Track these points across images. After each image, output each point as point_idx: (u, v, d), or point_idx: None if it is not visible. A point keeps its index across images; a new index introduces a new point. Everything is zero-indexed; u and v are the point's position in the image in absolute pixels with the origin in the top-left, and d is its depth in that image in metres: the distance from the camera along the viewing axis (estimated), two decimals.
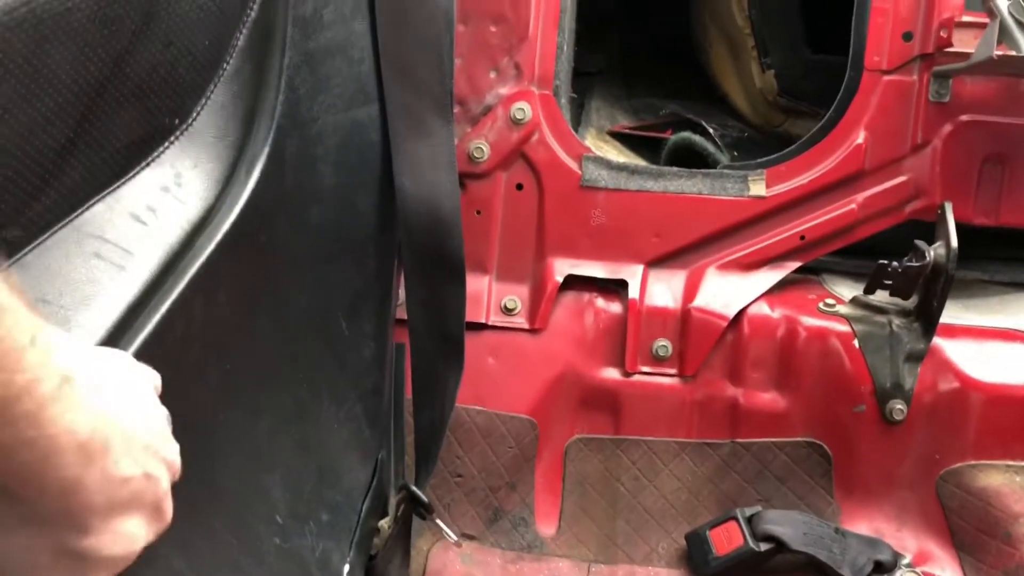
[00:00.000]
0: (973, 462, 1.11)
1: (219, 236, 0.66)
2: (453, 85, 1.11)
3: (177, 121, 0.71)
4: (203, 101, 0.83)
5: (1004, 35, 1.04)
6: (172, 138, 0.70)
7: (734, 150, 1.54)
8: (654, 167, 1.21)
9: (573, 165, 1.18)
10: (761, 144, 1.56)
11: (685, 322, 1.17)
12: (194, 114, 0.81)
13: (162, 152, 0.68)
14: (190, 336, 0.62)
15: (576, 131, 1.38)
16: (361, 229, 0.98)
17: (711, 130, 1.53)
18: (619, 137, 1.43)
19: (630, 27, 1.90)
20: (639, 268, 1.18)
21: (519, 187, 1.18)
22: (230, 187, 0.85)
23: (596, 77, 1.68)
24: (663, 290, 1.18)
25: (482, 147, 1.15)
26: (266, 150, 0.88)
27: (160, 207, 0.65)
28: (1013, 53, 1.03)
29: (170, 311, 0.58)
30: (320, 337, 0.89)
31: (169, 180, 0.69)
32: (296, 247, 0.87)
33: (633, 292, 1.17)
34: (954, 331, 1.14)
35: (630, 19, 1.91)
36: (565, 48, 1.19)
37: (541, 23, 1.16)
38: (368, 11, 0.97)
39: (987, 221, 1.18)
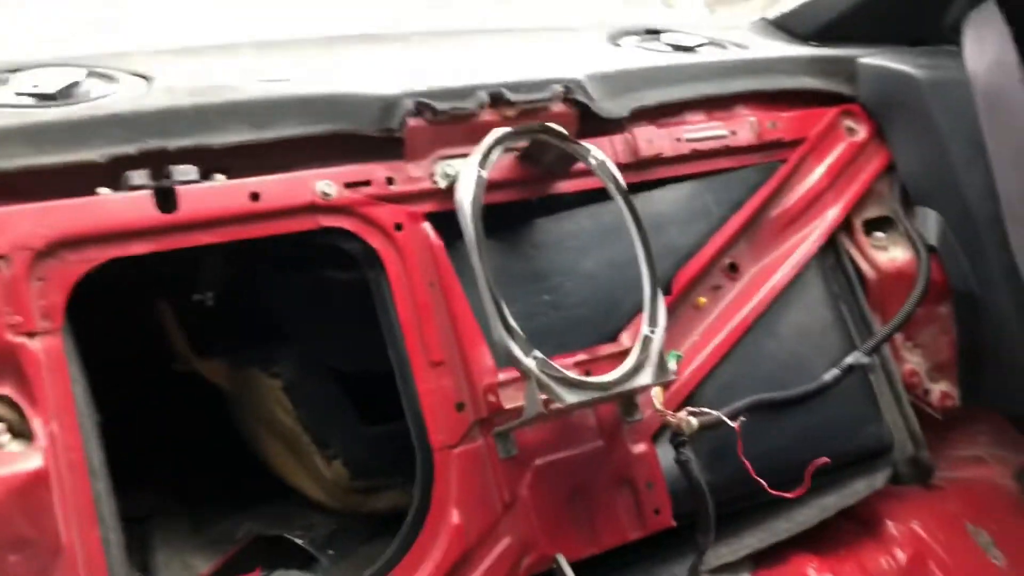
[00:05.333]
0: None
1: None
2: None
3: None
4: None
5: (543, 389, 1.11)
6: None
7: (329, 548, 1.44)
8: None
9: None
10: (354, 531, 1.49)
11: None
12: None
13: None
14: None
15: None
16: None
17: (298, 540, 1.43)
18: None
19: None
20: None
21: None
22: None
23: (153, 521, 1.49)
24: None
25: None
26: None
27: None
28: (558, 405, 1.11)
29: None
30: None
31: None
32: None
33: None
34: None
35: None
36: (112, 537, 1.02)
37: (75, 523, 0.98)
38: None
39: (594, 550, 1.21)
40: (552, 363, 1.12)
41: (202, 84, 1.24)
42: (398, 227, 1.22)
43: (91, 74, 1.27)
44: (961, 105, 1.51)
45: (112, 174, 1.11)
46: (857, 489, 1.45)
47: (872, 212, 1.63)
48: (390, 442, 1.50)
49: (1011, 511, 1.58)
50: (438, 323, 1.21)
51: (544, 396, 1.11)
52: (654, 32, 1.80)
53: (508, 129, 1.21)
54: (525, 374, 1.12)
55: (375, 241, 1.20)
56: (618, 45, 1.72)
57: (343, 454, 1.44)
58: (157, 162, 1.12)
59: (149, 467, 1.54)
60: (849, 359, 1.45)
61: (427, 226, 1.24)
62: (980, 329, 1.56)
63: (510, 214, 1.35)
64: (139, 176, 1.10)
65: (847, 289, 1.56)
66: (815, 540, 1.41)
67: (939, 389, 1.59)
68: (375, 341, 1.30)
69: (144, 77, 1.30)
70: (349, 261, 1.28)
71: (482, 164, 1.18)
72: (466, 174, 1.18)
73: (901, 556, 1.43)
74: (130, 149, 1.11)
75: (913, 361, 1.59)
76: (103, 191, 1.09)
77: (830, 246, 1.56)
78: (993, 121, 1.48)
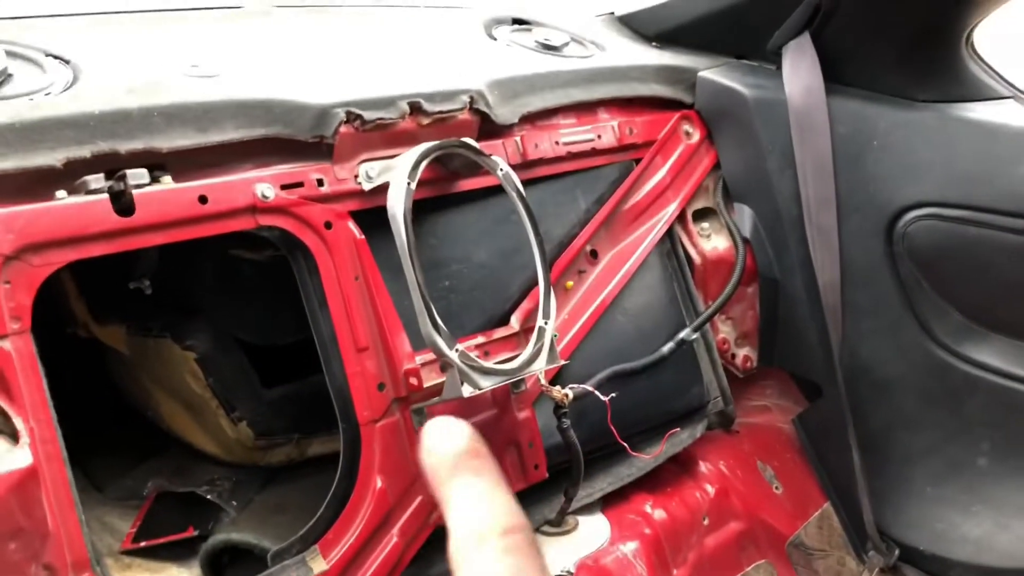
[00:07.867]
0: None
1: None
2: None
3: None
4: None
5: (464, 377, 1.31)
6: None
7: (232, 500, 1.58)
8: None
9: None
10: (253, 483, 1.63)
11: None
12: None
13: None
14: None
15: None
16: None
17: (207, 495, 1.55)
18: (142, 553, 1.36)
19: None
20: None
21: None
22: None
23: None
24: None
25: None
26: None
27: None
28: (477, 392, 1.32)
29: None
30: None
31: None
32: None
33: None
34: None
35: None
36: (83, 517, 1.12)
37: (57, 510, 1.07)
38: None
39: None
40: (470, 355, 1.32)
41: (136, 80, 1.28)
42: (328, 225, 1.34)
43: (10, 55, 1.27)
44: (778, 121, 1.82)
45: (65, 175, 1.16)
46: (682, 439, 1.78)
47: (699, 204, 1.93)
48: (288, 403, 1.65)
49: (788, 450, 1.99)
50: (363, 313, 1.36)
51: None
52: (522, 22, 1.98)
53: (433, 144, 1.37)
54: (448, 364, 1.31)
55: (308, 239, 1.33)
56: (494, 38, 1.87)
57: (248, 417, 1.57)
58: (109, 164, 1.18)
59: None
60: (682, 334, 1.75)
61: (352, 224, 1.37)
62: (777, 306, 1.92)
63: (418, 209, 1.51)
64: (96, 181, 1.15)
65: (679, 272, 1.86)
66: (648, 481, 1.73)
67: (743, 353, 1.96)
68: (284, 317, 1.43)
69: (62, 60, 1.31)
70: (260, 242, 1.39)
71: (411, 176, 1.33)
72: (397, 185, 1.32)
73: (710, 490, 1.79)
74: (84, 152, 1.16)
75: (724, 331, 1.94)
76: (61, 195, 1.14)
77: (667, 234, 1.85)
78: (801, 137, 1.80)
